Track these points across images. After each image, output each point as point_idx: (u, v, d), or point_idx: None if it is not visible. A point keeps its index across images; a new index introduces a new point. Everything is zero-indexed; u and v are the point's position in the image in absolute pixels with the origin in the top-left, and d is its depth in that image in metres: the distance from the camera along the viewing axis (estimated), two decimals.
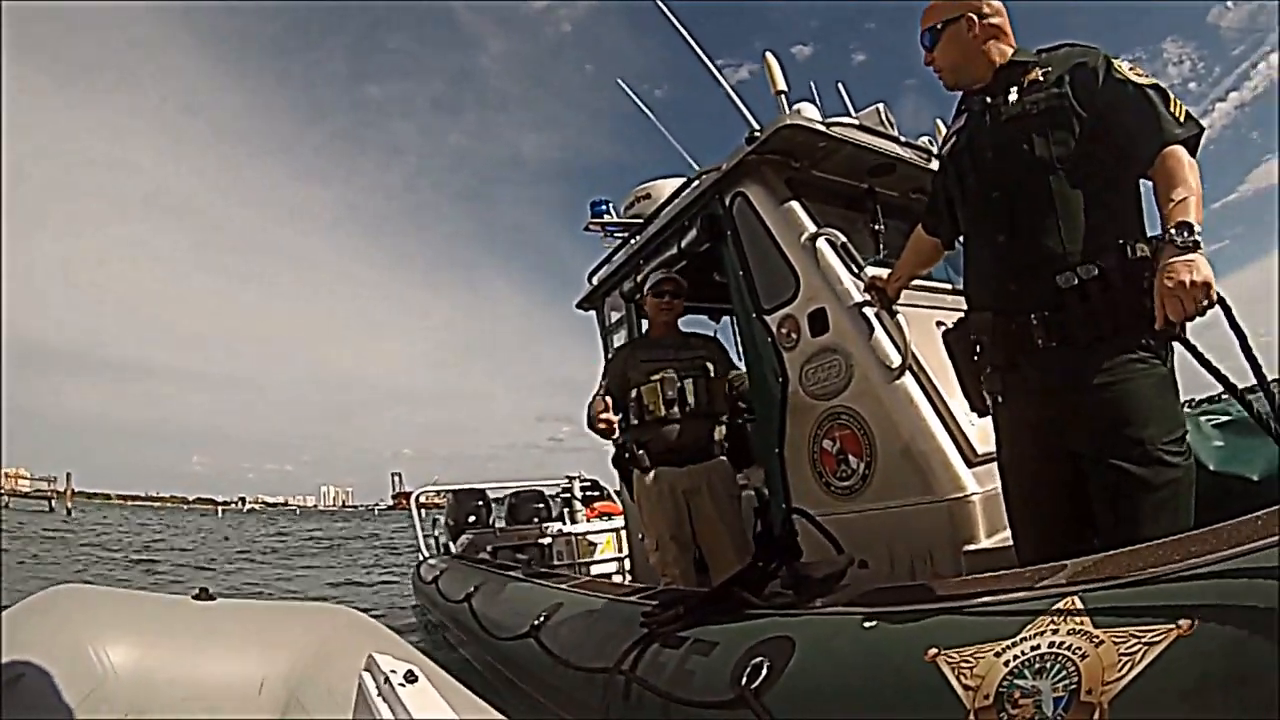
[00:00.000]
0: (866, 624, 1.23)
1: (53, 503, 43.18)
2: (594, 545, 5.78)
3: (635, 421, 2.83)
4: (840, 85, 3.48)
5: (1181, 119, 1.39)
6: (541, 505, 7.26)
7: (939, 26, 1.66)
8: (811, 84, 3.08)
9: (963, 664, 0.96)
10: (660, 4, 3.33)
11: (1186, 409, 1.52)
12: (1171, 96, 1.42)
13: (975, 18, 1.62)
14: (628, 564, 5.03)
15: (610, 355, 3.17)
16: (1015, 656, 0.91)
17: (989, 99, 1.62)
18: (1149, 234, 1.46)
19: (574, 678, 2.07)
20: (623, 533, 5.11)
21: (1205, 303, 1.18)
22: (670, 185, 3.83)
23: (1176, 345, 1.39)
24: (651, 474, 2.77)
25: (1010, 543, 1.70)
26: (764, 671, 1.32)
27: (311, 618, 1.38)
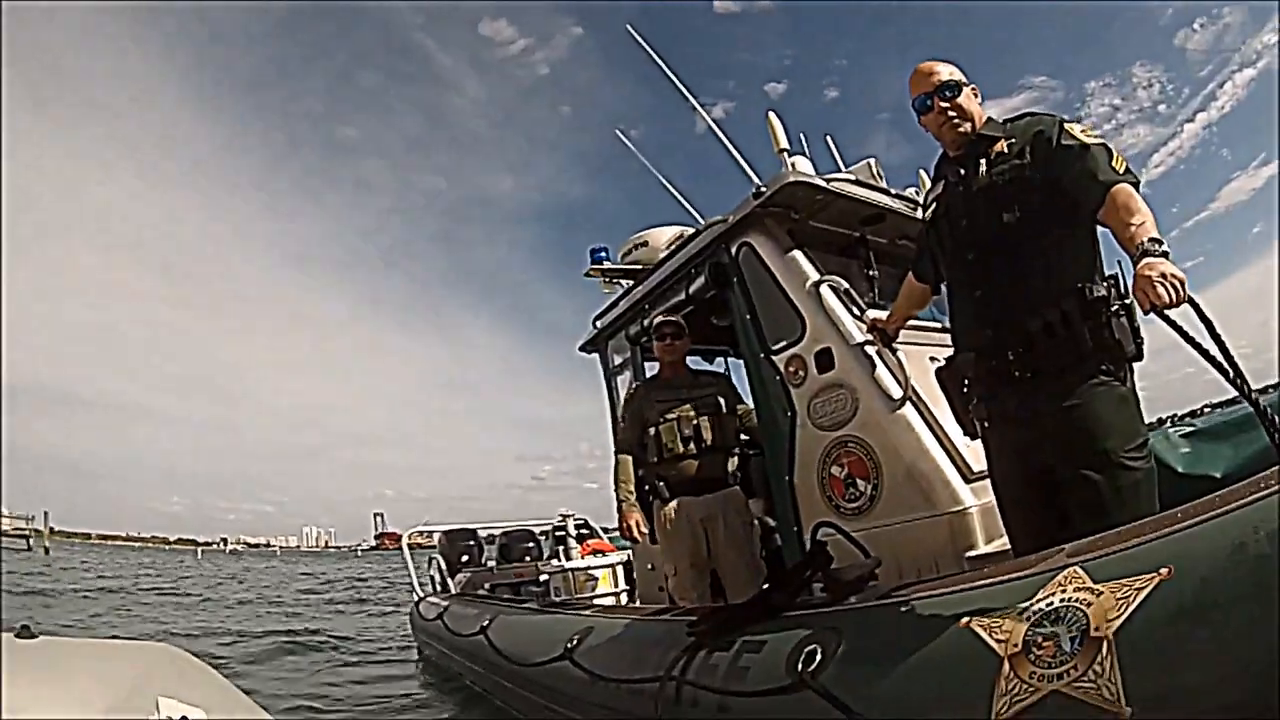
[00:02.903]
0: (903, 609, 1.47)
1: (30, 541, 42.00)
2: (593, 579, 5.88)
3: (654, 459, 3.04)
4: (829, 139, 3.79)
5: (1121, 170, 1.65)
6: (532, 545, 7.33)
7: (960, 83, 1.89)
8: (802, 136, 3.32)
9: (992, 625, 1.21)
10: (654, 56, 3.65)
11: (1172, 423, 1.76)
12: (1115, 152, 1.67)
13: (976, 88, 1.92)
14: (623, 599, 5.15)
15: (627, 396, 3.39)
16: (1035, 613, 1.17)
17: (961, 170, 1.91)
18: (1107, 272, 1.72)
19: (618, 691, 2.23)
20: (618, 568, 5.24)
21: (1182, 292, 1.36)
22: (666, 233, 4.11)
23: (1136, 366, 1.66)
24: (672, 504, 2.98)
25: (1006, 547, 1.96)
26: (818, 657, 1.52)
27: (134, 655, 1.39)
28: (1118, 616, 1.05)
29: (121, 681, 1.21)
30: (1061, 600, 1.15)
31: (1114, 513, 1.53)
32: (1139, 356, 1.65)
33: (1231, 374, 1.28)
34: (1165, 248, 1.44)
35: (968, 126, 1.90)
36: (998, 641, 1.18)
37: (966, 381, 1.92)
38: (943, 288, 2.19)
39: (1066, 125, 1.75)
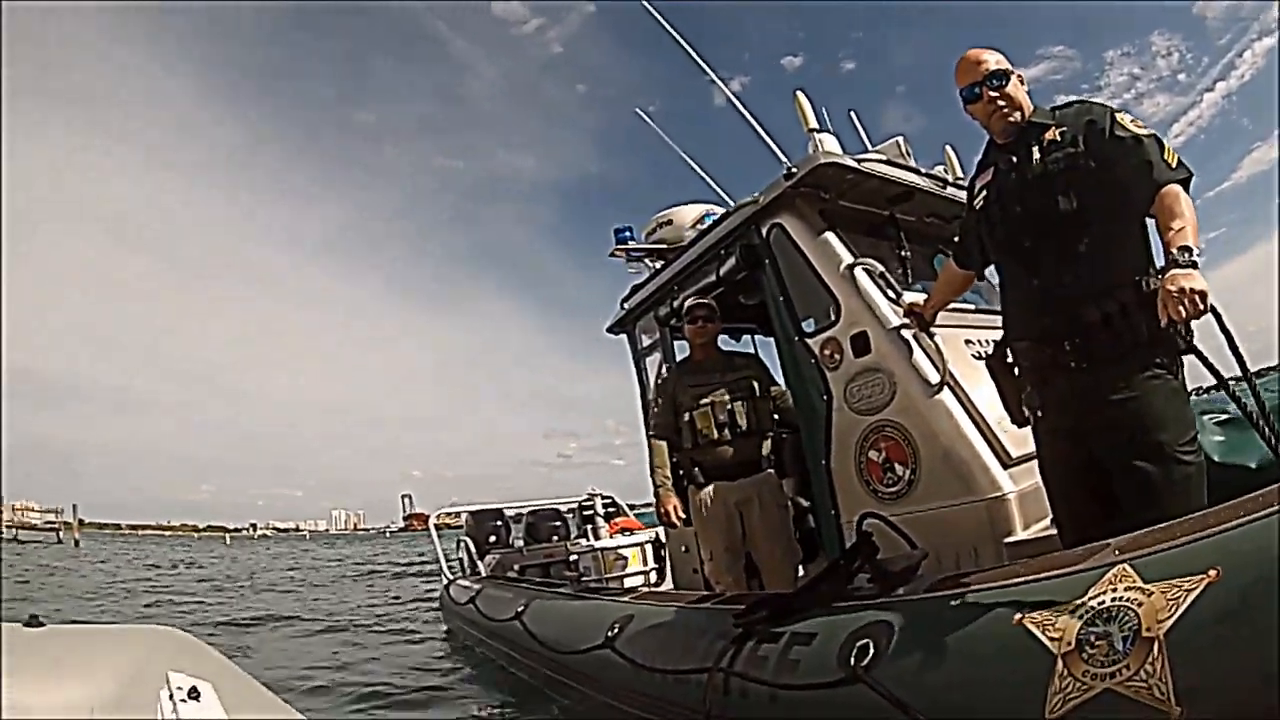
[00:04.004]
0: (954, 603, 1.50)
1: (60, 534, 43.61)
2: (623, 559, 5.96)
3: (690, 445, 3.08)
4: (854, 115, 3.71)
5: (1173, 165, 1.67)
6: (559, 523, 7.37)
7: (1008, 71, 1.89)
8: (824, 110, 3.17)
9: (1045, 622, 1.25)
10: (672, 32, 3.60)
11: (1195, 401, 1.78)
12: (1166, 145, 1.69)
13: (1022, 76, 1.92)
14: (653, 576, 5.24)
15: (659, 380, 3.42)
16: (1087, 611, 1.20)
17: (1013, 158, 1.89)
18: (1159, 265, 1.70)
19: (664, 681, 2.25)
20: (647, 547, 5.31)
21: (1201, 307, 1.42)
22: (690, 212, 4.10)
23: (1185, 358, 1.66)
24: (707, 489, 3.03)
25: (1046, 532, 1.98)
26: (871, 651, 1.55)
27: (139, 639, 1.44)
28: (1168, 617, 1.08)
29: (126, 666, 1.25)
30: (1113, 599, 1.18)
31: (1167, 505, 1.54)
32: (1190, 350, 1.66)
33: (1252, 402, 1.28)
34: (1194, 256, 1.48)
35: (1017, 115, 1.90)
36: (1051, 639, 1.22)
37: (1018, 369, 1.93)
38: (989, 274, 2.19)
39: (1118, 116, 1.76)
